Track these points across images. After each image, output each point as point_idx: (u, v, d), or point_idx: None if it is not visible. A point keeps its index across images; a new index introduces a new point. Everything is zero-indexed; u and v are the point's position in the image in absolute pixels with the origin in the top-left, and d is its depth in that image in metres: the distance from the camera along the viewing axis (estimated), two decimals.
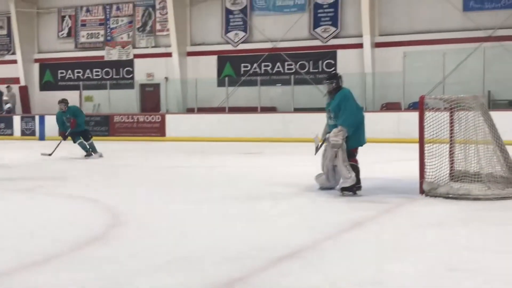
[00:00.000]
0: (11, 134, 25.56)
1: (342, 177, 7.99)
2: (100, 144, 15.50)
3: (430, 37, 22.06)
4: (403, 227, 6.00)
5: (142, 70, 26.69)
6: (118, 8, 27.16)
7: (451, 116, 8.41)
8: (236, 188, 8.94)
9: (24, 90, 28.46)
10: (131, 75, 27.07)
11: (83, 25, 27.89)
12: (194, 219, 6.58)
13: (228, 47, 25.34)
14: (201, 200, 7.92)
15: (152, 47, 26.58)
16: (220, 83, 24.87)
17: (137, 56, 26.94)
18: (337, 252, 4.94)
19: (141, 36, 26.80)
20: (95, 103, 26.85)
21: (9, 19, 28.56)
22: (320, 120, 20.98)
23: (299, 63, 24.19)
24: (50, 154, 14.25)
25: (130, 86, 26.59)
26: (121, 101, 25.66)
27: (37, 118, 25.30)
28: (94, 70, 27.79)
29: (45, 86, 28.95)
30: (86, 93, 27.20)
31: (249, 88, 24.26)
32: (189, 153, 16.19)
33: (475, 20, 21.57)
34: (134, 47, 26.98)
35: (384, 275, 4.24)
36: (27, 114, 27.06)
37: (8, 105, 27.39)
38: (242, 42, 25.10)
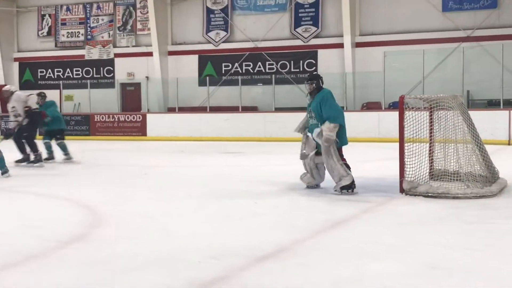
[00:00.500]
0: None
1: (340, 176, 8.08)
2: (80, 143, 15.41)
3: (410, 37, 22.22)
4: (384, 225, 6.04)
5: (123, 69, 26.57)
6: (98, 7, 27.01)
7: (430, 115, 8.49)
8: (217, 188, 8.94)
9: None
10: (111, 74, 26.94)
11: (63, 24, 27.70)
12: (175, 219, 6.58)
13: (209, 46, 25.31)
14: (182, 200, 7.93)
15: (133, 46, 26.47)
16: (201, 83, 24.84)
17: (117, 55, 26.82)
18: (318, 251, 4.97)
19: (122, 35, 26.68)
20: (75, 103, 26.70)
21: None
22: (300, 120, 21.03)
23: (280, 62, 24.22)
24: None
25: (111, 85, 26.46)
26: (102, 101, 25.53)
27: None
28: (75, 69, 27.62)
29: (25, 85, 28.67)
30: (66, 92, 27.04)
31: (230, 87, 24.26)
32: (170, 153, 16.16)
33: (454, 20, 21.75)
34: (114, 46, 26.85)
35: (364, 274, 4.27)
36: (6, 113, 26.80)
37: None
38: (223, 42, 25.08)
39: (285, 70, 24.13)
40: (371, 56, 22.57)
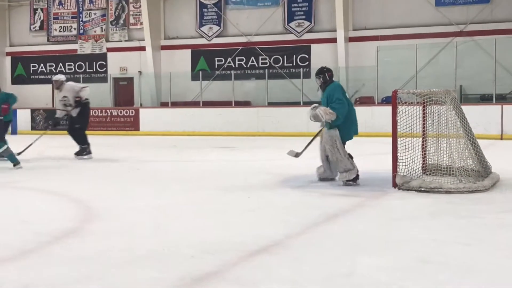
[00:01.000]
0: None
1: (346, 168, 8.33)
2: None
3: (403, 31, 22.25)
4: (376, 220, 6.05)
5: (116, 63, 26.51)
6: (91, 1, 26.92)
7: (423, 110, 8.50)
8: (210, 182, 8.93)
9: None
10: (104, 69, 26.88)
11: (56, 18, 27.61)
12: (168, 214, 6.58)
13: (202, 41, 25.27)
14: (175, 195, 7.92)
15: (126, 40, 26.41)
16: (194, 77, 24.81)
17: (110, 49, 26.76)
18: (311, 246, 4.97)
19: (115, 29, 26.61)
20: None
21: None
22: (294, 114, 21.03)
23: (273, 57, 24.22)
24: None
25: (104, 80, 26.40)
26: (94, 95, 25.34)
27: None
28: (67, 63, 27.54)
29: (17, 79, 28.63)
30: None
31: (223, 82, 24.25)
32: (163, 148, 16.15)
33: (447, 15, 21.78)
34: (107, 41, 26.78)
35: (357, 268, 4.28)
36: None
37: None
38: (216, 36, 25.05)
39: (278, 65, 24.13)
40: (364, 51, 22.59)
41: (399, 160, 7.99)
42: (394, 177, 7.91)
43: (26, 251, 4.88)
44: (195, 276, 4.09)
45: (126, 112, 23.19)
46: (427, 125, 8.40)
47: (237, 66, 24.80)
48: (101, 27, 26.85)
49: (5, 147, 10.93)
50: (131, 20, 26.26)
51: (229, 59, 24.86)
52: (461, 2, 21.68)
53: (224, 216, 6.39)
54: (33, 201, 7.67)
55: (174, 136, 20.86)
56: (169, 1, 25.70)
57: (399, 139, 8.04)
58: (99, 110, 23.56)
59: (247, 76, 24.60)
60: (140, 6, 25.35)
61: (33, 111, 24.72)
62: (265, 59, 24.36)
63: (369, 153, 13.10)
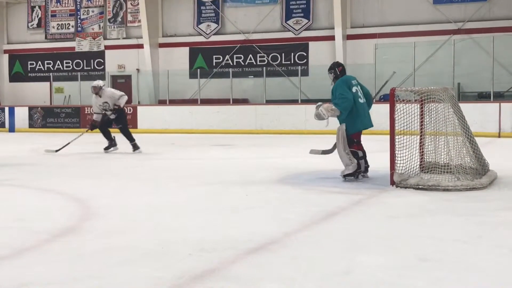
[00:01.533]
0: None
1: (344, 164, 8.47)
2: (70, 136, 15.35)
3: (401, 29, 22.26)
4: (374, 218, 6.05)
5: (113, 61, 26.50)
6: None
7: (421, 108, 8.50)
8: (208, 180, 8.93)
9: None
10: (102, 67, 26.87)
11: (53, 15, 27.59)
12: (165, 211, 6.58)
13: (200, 38, 25.26)
14: (172, 192, 7.92)
15: (123, 38, 26.40)
16: (192, 75, 24.80)
17: (108, 47, 26.74)
18: (309, 244, 4.97)
19: (112, 27, 26.60)
20: (65, 95, 26.61)
21: None
22: (292, 112, 21.03)
23: (271, 55, 24.22)
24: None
25: (101, 77, 26.27)
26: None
27: (6, 109, 25.00)
28: (65, 61, 27.53)
29: (14, 77, 28.61)
30: (56, 84, 26.96)
31: (221, 80, 24.24)
32: (160, 145, 16.14)
33: (445, 12, 21.79)
34: (105, 38, 26.77)
35: (355, 266, 4.28)
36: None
37: None
38: (214, 34, 25.05)
39: (276, 63, 24.12)
40: (362, 49, 22.61)
41: (397, 158, 7.99)
42: (392, 175, 7.91)
43: (24, 249, 4.87)
44: (193, 274, 4.09)
45: (125, 110, 23.11)
46: (425, 123, 8.40)
47: (235, 63, 24.79)
48: (99, 25, 26.82)
49: None
50: (129, 18, 26.24)
51: (227, 56, 24.85)
52: (459, 0, 21.70)
53: (222, 213, 6.40)
54: (31, 199, 7.66)
55: (172, 134, 20.85)
56: None
57: (397, 137, 8.04)
58: None
59: (245, 74, 24.59)
60: (138, 4, 25.35)
61: (30, 108, 24.70)
62: (263, 56, 24.35)
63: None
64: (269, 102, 22.34)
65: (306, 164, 10.68)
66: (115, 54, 26.44)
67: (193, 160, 12.46)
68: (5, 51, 28.65)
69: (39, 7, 27.77)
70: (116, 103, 13.40)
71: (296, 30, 23.80)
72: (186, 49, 25.54)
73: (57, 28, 27.57)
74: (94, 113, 14.12)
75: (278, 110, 21.16)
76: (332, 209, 6.53)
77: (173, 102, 24.00)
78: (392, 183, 7.87)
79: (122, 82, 26.27)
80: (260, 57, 24.45)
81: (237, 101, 23.04)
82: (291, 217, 6.11)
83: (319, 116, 8.54)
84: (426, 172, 8.38)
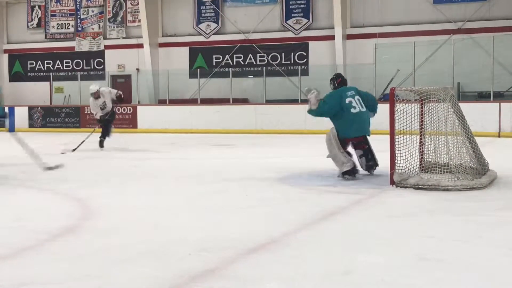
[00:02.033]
0: None
1: (341, 162, 8.65)
2: (70, 136, 15.35)
3: (401, 29, 22.24)
4: (374, 217, 6.05)
5: (113, 61, 26.47)
6: None
7: (421, 107, 8.51)
8: (208, 180, 8.93)
9: None
10: (102, 66, 26.84)
11: (53, 15, 27.57)
12: (165, 211, 6.58)
13: (200, 38, 25.25)
14: (172, 192, 7.92)
15: (123, 38, 26.38)
16: (192, 75, 24.78)
17: (108, 47, 26.72)
18: (309, 244, 4.97)
19: (112, 27, 26.58)
20: (65, 95, 26.59)
21: None
22: (292, 111, 21.03)
23: (271, 54, 24.20)
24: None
25: (101, 77, 26.33)
26: None
27: (6, 109, 24.95)
28: (65, 61, 27.51)
29: (14, 77, 28.59)
30: (56, 84, 26.93)
31: (221, 79, 24.22)
32: (160, 145, 16.13)
33: (445, 12, 21.78)
34: (105, 38, 26.75)
35: (355, 266, 4.28)
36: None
37: None
38: (214, 34, 25.03)
39: (276, 62, 24.11)
40: (362, 48, 22.59)
41: (396, 158, 8.00)
42: (391, 174, 7.91)
43: (23, 249, 4.87)
44: (192, 274, 4.09)
45: (124, 110, 23.15)
46: (425, 123, 8.40)
47: (235, 63, 24.78)
48: (99, 25, 26.81)
49: None
50: (129, 18, 26.22)
51: (227, 56, 24.83)
52: (459, 0, 21.68)
53: (222, 213, 6.39)
54: (31, 199, 7.65)
55: (172, 134, 20.83)
56: None
57: (396, 137, 8.04)
58: None
59: (245, 74, 24.58)
60: (137, 4, 25.32)
61: (30, 108, 24.69)
62: (263, 56, 24.34)
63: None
64: (269, 102, 22.33)
65: (306, 164, 10.68)
66: (115, 53, 26.42)
67: (192, 159, 12.46)
68: (5, 51, 28.63)
69: (39, 6, 27.75)
70: (113, 97, 14.38)
71: (296, 30, 23.79)
72: (186, 48, 25.52)
73: (57, 28, 27.55)
74: (94, 112, 14.68)
75: (278, 110, 21.15)
76: (332, 209, 6.53)
77: (173, 102, 23.99)
78: (392, 183, 7.87)
79: (122, 82, 26.25)
80: (260, 57, 24.44)
81: (237, 101, 23.02)
82: (291, 217, 6.11)
83: (308, 98, 9.03)
84: (426, 172, 8.38)
